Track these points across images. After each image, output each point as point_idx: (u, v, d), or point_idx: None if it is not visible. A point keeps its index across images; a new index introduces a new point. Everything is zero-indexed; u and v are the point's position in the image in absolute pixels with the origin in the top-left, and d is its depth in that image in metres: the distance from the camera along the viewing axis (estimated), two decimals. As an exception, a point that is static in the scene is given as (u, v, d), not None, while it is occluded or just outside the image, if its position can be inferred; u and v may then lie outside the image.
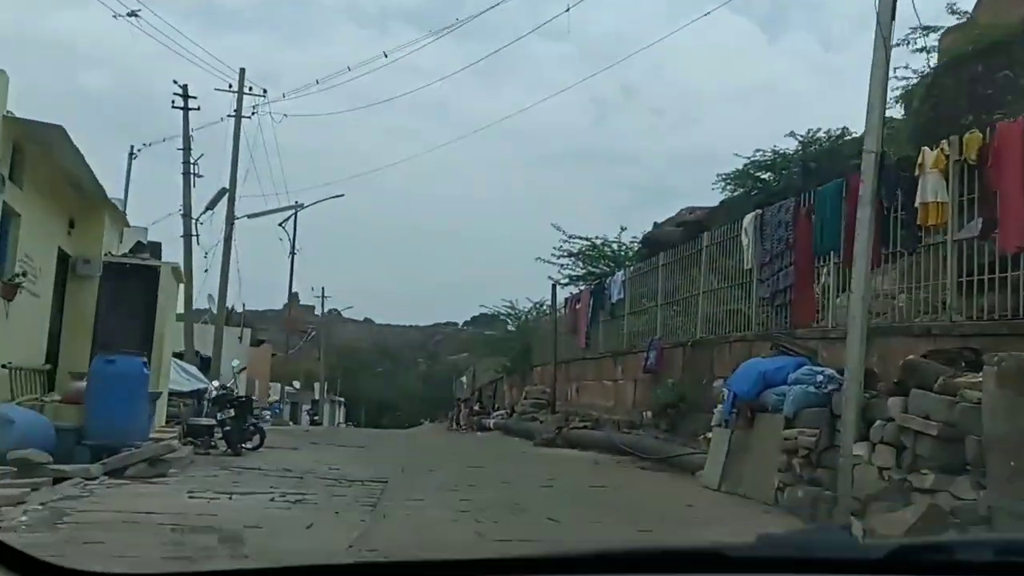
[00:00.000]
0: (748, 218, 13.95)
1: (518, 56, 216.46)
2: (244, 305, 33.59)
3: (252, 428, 15.12)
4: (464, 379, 52.66)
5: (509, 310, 32.95)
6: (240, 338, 33.23)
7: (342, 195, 40.49)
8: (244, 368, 22.65)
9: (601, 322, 22.53)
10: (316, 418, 50.29)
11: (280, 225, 37.77)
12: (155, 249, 18.95)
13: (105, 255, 14.80)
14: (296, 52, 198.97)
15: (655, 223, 27.03)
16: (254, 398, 36.43)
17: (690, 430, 14.63)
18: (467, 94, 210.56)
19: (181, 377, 18.51)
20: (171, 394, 17.62)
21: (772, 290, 12.89)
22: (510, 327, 33.92)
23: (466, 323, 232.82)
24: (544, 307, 31.78)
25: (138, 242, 15.86)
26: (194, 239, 24.49)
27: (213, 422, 14.63)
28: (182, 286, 18.05)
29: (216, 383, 16.80)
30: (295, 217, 36.76)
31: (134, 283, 14.98)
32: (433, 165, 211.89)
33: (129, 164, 23.83)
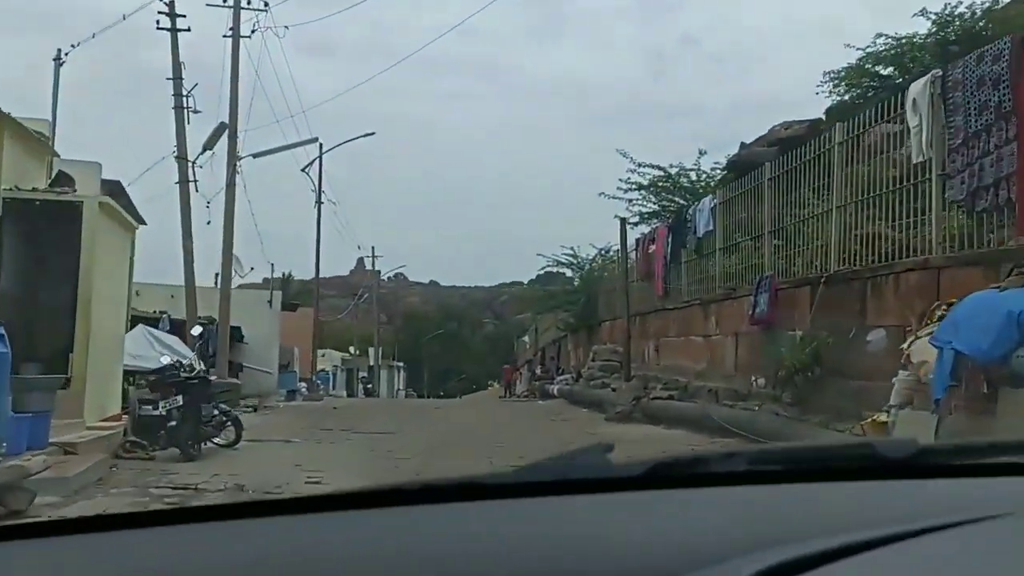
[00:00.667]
0: (919, 85, 9.15)
1: (573, 10, 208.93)
2: (273, 267, 29.89)
3: (218, 419, 11.02)
4: (526, 339, 48.47)
5: (570, 259, 28.39)
6: (270, 302, 29.40)
7: (372, 133, 36.67)
8: (202, 337, 18.55)
9: (684, 263, 17.91)
10: (370, 386, 46.71)
11: (303, 171, 33.34)
12: (116, 190, 14.84)
13: (7, 189, 10.68)
14: (348, 17, 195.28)
15: (742, 144, 22.13)
16: (291, 368, 33.05)
17: (831, 405, 10.02)
18: (521, 53, 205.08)
19: (154, 351, 14.49)
20: (135, 373, 13.62)
21: (972, 187, 8.13)
22: (571, 277, 29.33)
23: (531, 281, 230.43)
24: (611, 253, 27.16)
25: (60, 172, 11.67)
26: (192, 185, 20.43)
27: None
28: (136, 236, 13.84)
29: (166, 358, 12.59)
30: (320, 163, 32.23)
31: (50, 226, 10.88)
32: (493, 126, 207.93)
33: (56, 73, 19.34)
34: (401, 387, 60.99)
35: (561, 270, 29.16)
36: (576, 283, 28.90)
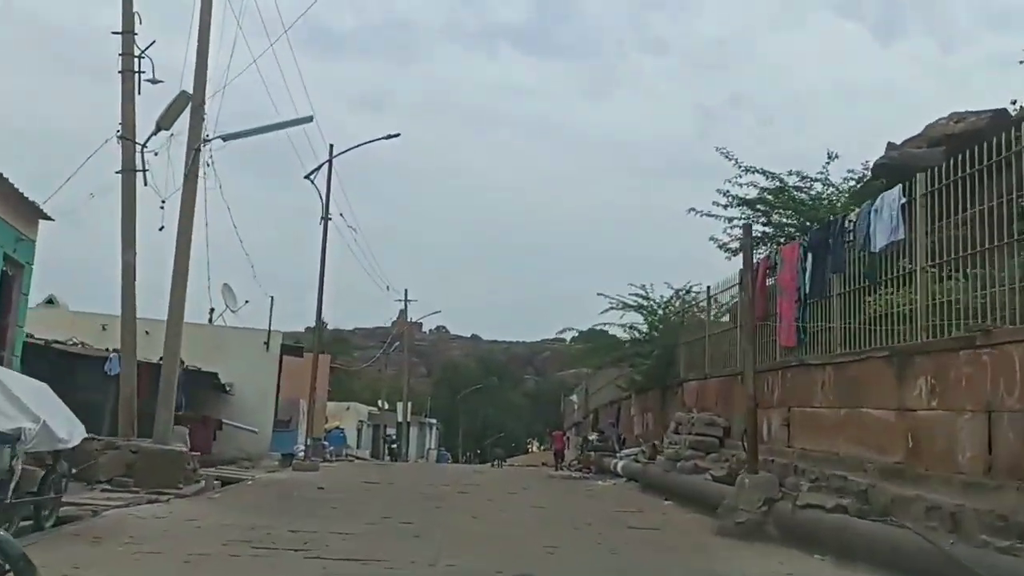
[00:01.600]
0: None
1: (622, 71, 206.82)
2: (273, 300, 24.06)
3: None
4: (575, 397, 42.29)
5: (640, 300, 22.21)
6: (267, 343, 23.68)
7: (397, 135, 29.71)
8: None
9: (834, 297, 11.77)
10: (395, 446, 40.77)
11: (308, 178, 26.53)
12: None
13: None
14: (403, 75, 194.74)
15: (890, 144, 16.09)
16: (292, 426, 26.75)
17: None
18: (571, 110, 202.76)
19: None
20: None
21: None
22: (633, 327, 22.92)
23: (574, 338, 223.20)
24: (692, 293, 21.05)
25: None
26: (142, 177, 14.76)
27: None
28: None
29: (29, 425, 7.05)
30: (329, 169, 25.58)
31: None
32: (541, 181, 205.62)
33: None
34: (432, 446, 54.75)
35: (615, 321, 22.82)
36: (645, 330, 22.70)
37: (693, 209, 17.25)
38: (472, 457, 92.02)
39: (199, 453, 20.68)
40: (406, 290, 43.87)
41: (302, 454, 23.34)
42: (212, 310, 24.89)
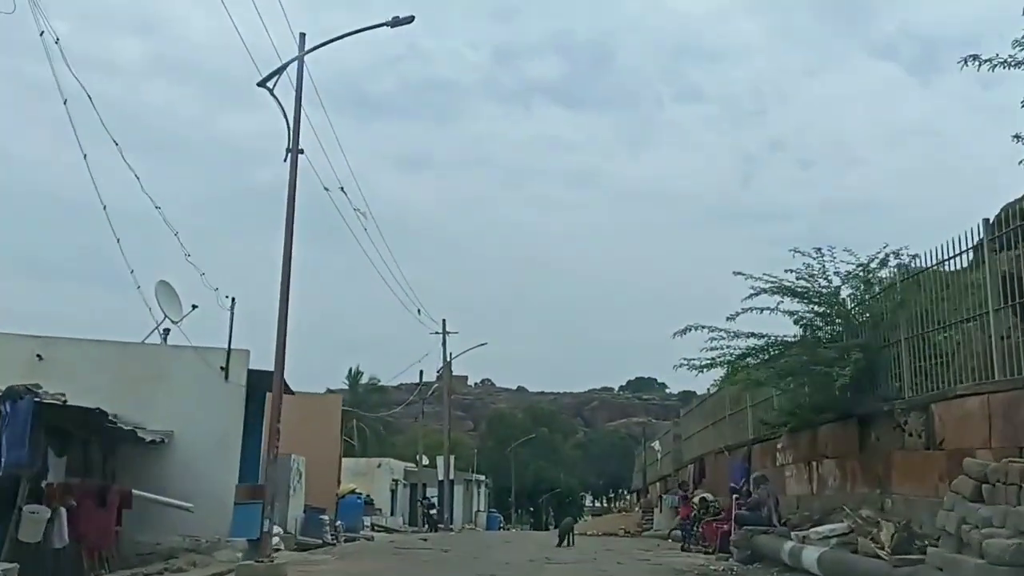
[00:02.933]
0: None
1: (661, 121, 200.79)
2: (233, 303, 15.44)
3: None
4: (657, 445, 33.30)
5: (807, 283, 13.35)
6: (225, 370, 15.31)
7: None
8: None
9: None
10: (434, 511, 31.95)
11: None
12: None
13: None
14: (443, 133, 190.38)
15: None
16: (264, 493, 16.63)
17: None
18: (613, 162, 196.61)
19: None
20: None
21: None
22: (808, 322, 13.80)
23: (622, 387, 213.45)
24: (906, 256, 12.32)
25: None
26: None
27: None
28: None
29: None
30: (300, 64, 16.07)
31: None
32: (583, 231, 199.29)
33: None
34: (481, 507, 45.85)
35: (792, 294, 13.60)
36: (820, 323, 13.74)
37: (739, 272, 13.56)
38: (524, 516, 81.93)
39: (95, 550, 12.31)
40: (444, 320, 35.51)
41: (277, 537, 14.78)
42: (168, 331, 16.48)
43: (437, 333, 34.29)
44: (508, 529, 55.01)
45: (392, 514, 37.44)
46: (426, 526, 27.53)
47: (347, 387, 63.40)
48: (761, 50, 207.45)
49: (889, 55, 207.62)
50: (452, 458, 35.91)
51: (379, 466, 37.31)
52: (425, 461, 43.04)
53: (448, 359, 33.73)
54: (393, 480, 37.72)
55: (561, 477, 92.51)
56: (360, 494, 28.73)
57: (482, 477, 48.66)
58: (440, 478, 35.77)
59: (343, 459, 37.23)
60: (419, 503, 29.68)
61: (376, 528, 28.48)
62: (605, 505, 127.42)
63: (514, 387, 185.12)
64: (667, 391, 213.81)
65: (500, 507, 60.59)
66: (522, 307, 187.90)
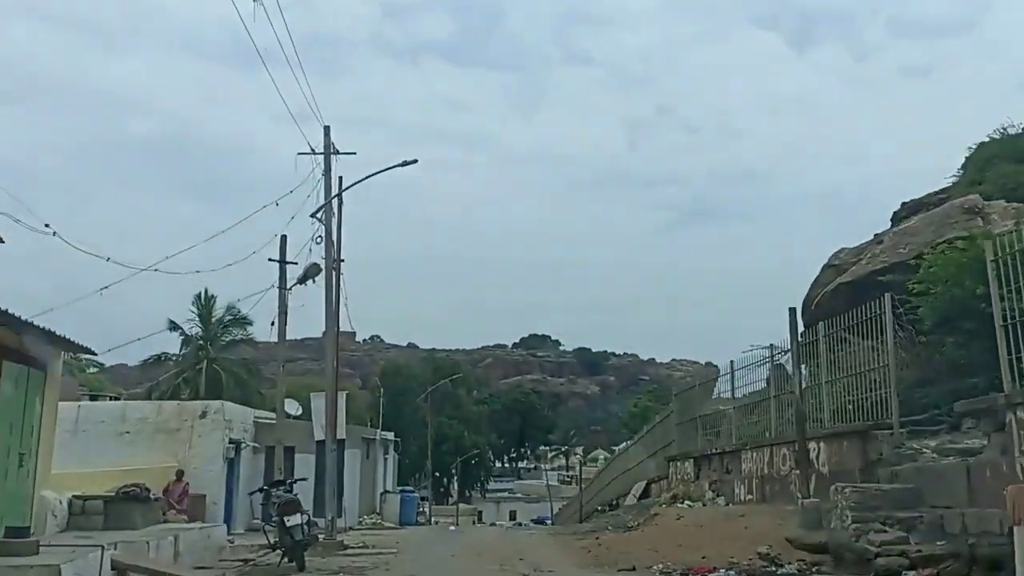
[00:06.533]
0: None
1: (550, 84, 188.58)
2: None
3: None
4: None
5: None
6: None
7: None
8: None
9: None
10: (291, 492, 13.89)
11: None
12: None
13: None
14: (330, 89, 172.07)
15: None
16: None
17: None
18: (504, 124, 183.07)
19: None
20: None
21: None
22: None
23: (515, 344, 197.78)
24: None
25: None
26: None
27: None
28: None
29: None
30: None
31: None
32: (468, 194, 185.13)
33: None
34: (390, 485, 28.95)
35: None
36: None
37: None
38: (420, 486, 65.41)
39: None
40: (327, 127, 18.21)
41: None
42: None
43: (312, 153, 17.42)
44: (430, 517, 38.02)
45: (229, 511, 20.32)
46: (280, 551, 10.94)
47: (196, 318, 45.25)
48: (650, 17, 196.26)
49: (771, 25, 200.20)
50: (344, 398, 18.90)
51: (203, 415, 20.07)
52: (298, 410, 25.94)
53: (336, 190, 16.99)
54: (230, 443, 20.55)
55: (466, 435, 76.52)
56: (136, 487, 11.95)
57: (390, 435, 31.37)
58: (319, 436, 18.87)
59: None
60: (263, 492, 12.70)
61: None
62: (507, 465, 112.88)
63: (404, 344, 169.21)
64: (561, 348, 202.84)
65: (403, 481, 43.99)
66: (413, 266, 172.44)
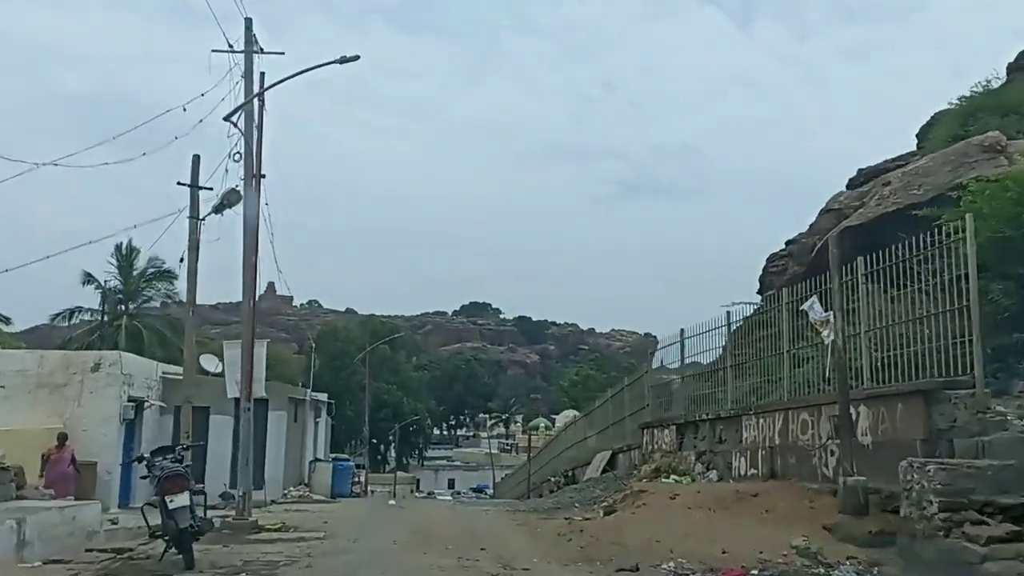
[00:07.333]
0: None
1: (496, 53, 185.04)
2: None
3: None
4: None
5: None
6: None
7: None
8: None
9: None
10: (182, 464, 11.06)
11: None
12: None
13: None
14: (269, 47, 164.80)
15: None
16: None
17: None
18: (444, 92, 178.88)
19: None
20: None
21: None
22: None
23: (455, 312, 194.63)
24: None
25: None
26: None
27: None
28: None
29: None
30: None
31: None
32: (410, 163, 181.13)
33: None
34: (321, 453, 25.74)
35: None
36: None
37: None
38: (378, 460, 61.71)
39: None
40: (248, 20, 15.06)
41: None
42: None
43: (231, 52, 14.10)
44: (366, 487, 35.12)
45: (126, 483, 17.01)
46: (165, 540, 8.32)
47: (115, 270, 41.27)
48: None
49: (715, 0, 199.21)
50: (265, 346, 15.73)
51: (95, 368, 16.66)
52: (218, 366, 22.42)
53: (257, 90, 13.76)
54: (129, 401, 17.17)
55: (405, 402, 73.43)
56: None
57: (323, 397, 28.04)
58: (233, 393, 15.54)
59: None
60: (140, 462, 9.87)
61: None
62: (445, 433, 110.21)
63: (342, 309, 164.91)
64: (501, 316, 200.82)
65: (337, 448, 40.83)
66: (353, 236, 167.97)
